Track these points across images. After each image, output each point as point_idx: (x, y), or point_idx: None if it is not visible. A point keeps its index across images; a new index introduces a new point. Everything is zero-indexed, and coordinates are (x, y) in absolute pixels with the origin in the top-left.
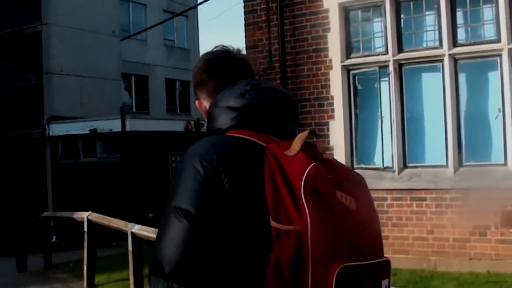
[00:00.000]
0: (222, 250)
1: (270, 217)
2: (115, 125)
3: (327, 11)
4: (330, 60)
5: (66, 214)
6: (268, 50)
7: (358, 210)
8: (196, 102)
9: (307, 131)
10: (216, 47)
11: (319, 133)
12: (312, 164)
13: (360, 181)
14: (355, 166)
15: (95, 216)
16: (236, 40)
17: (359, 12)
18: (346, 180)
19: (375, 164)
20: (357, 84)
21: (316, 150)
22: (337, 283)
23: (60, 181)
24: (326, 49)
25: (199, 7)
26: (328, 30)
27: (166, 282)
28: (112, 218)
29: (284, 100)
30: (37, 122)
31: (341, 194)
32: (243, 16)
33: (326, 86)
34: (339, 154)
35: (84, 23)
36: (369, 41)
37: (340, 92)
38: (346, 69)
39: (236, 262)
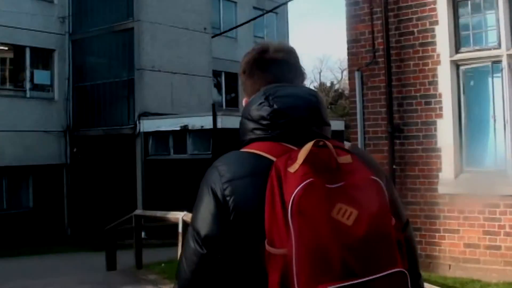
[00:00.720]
0: (229, 273)
1: (266, 240)
2: (206, 122)
3: (434, 2)
4: (438, 55)
5: (159, 213)
6: (371, 44)
7: (358, 224)
8: (243, 100)
9: (315, 140)
10: (258, 45)
11: (425, 133)
12: (304, 182)
13: (374, 188)
14: (464, 169)
15: (190, 217)
16: (327, 34)
17: (469, 3)
18: (355, 188)
19: (486, 168)
20: (467, 80)
21: (330, 153)
22: None
23: (150, 177)
24: (433, 43)
25: (289, 2)
26: (436, 23)
27: None
28: None
29: (301, 106)
30: (128, 118)
31: (341, 207)
32: (336, 10)
33: (434, 83)
34: (447, 156)
35: (175, 20)
36: (480, 35)
37: (449, 89)
38: (455, 65)
39: (241, 285)
